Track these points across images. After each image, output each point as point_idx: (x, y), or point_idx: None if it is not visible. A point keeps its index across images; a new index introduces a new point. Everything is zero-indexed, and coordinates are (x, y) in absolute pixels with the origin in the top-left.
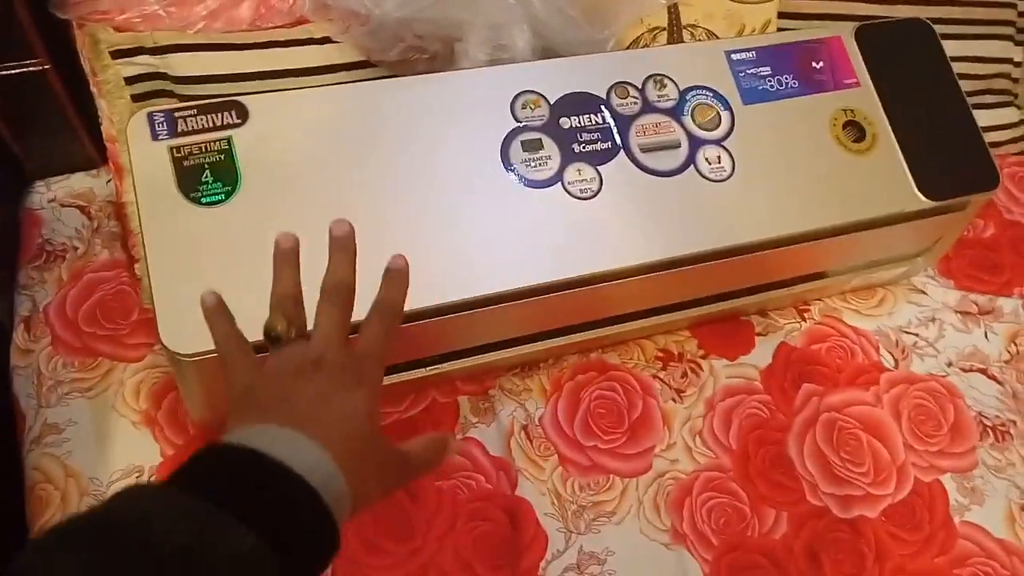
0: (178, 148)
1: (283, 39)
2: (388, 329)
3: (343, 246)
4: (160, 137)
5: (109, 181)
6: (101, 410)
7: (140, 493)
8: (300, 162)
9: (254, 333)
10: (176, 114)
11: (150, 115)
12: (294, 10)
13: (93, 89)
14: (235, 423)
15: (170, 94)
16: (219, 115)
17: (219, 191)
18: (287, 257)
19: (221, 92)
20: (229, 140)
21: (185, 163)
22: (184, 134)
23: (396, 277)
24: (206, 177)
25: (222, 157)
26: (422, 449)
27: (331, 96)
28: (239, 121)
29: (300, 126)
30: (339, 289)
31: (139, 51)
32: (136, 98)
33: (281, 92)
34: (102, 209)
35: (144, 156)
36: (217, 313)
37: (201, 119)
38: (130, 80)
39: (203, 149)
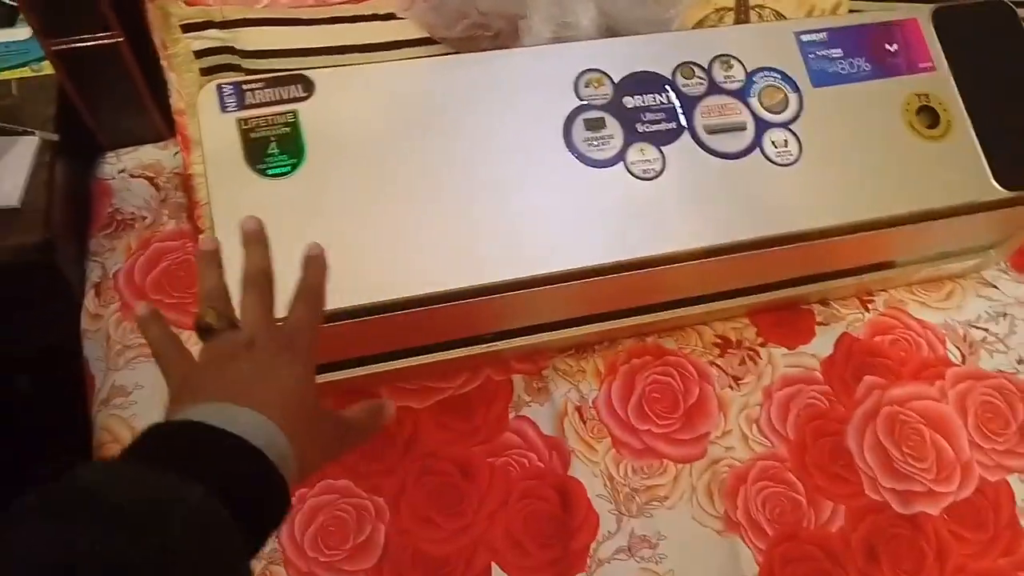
0: (246, 120)
1: (348, 15)
2: (312, 308)
3: (256, 239)
4: (229, 109)
5: (177, 153)
6: None
7: (89, 467)
8: (364, 137)
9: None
10: (244, 87)
11: (219, 87)
12: None
13: (163, 63)
14: (177, 409)
15: (237, 68)
16: (286, 88)
17: (285, 163)
18: (210, 257)
19: (287, 67)
20: (295, 113)
21: (252, 135)
22: (252, 106)
23: (313, 262)
24: (272, 149)
25: (288, 130)
26: (362, 415)
27: (395, 72)
28: (305, 95)
29: (364, 101)
30: (259, 277)
31: (208, 25)
32: (204, 72)
33: (346, 67)
34: (169, 180)
35: (213, 128)
36: (148, 319)
37: (269, 92)
38: (199, 54)
39: (270, 122)
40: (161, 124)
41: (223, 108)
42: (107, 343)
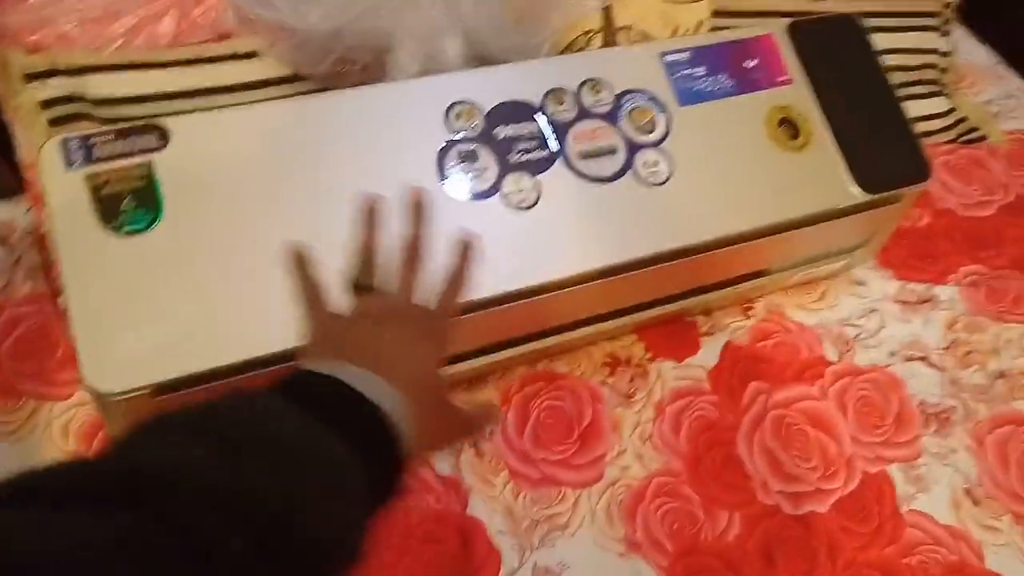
0: (95, 176)
1: (207, 55)
2: (458, 294)
3: (419, 209)
4: (76, 165)
5: (29, 210)
6: (26, 453)
7: (251, 393)
8: (226, 185)
9: (179, 366)
10: (92, 140)
11: (64, 141)
12: (217, 25)
13: (7, 115)
14: (315, 358)
15: (89, 117)
16: (139, 139)
17: (141, 219)
18: (373, 215)
19: (144, 113)
20: (150, 165)
21: (103, 191)
22: (101, 160)
23: (467, 249)
24: (127, 205)
25: (143, 183)
26: (474, 412)
27: (257, 114)
28: (160, 144)
29: (225, 147)
30: (417, 250)
31: (54, 73)
32: (54, 122)
33: (204, 112)
34: (22, 239)
35: (59, 185)
36: (299, 260)
37: (119, 144)
38: (46, 104)
39: (122, 176)
40: (11, 179)
41: (69, 164)
42: None
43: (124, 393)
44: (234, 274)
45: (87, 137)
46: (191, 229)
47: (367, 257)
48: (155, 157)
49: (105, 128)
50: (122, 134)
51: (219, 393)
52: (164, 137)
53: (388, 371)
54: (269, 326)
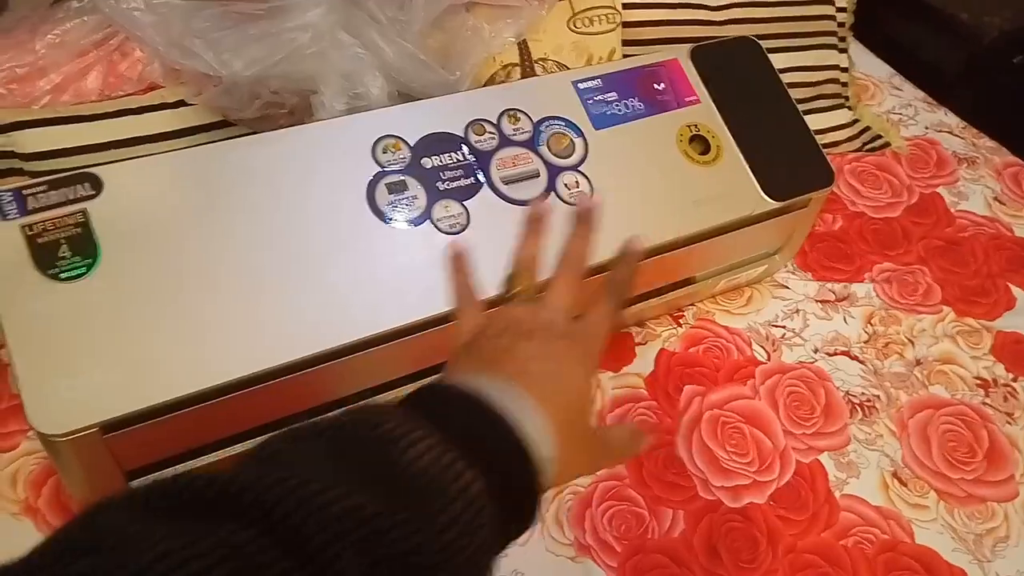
0: (31, 226)
1: (135, 106)
2: (616, 307)
3: (586, 219)
4: (10, 216)
5: None
6: None
7: (382, 410)
8: (161, 227)
9: (124, 404)
10: (25, 191)
11: None
12: (144, 77)
13: None
14: (461, 369)
15: (20, 172)
16: (72, 188)
17: (79, 265)
18: (537, 223)
19: (75, 165)
20: (84, 212)
21: (40, 240)
22: (36, 211)
23: (630, 259)
24: (64, 252)
25: (79, 230)
26: (622, 437)
27: (187, 158)
28: (93, 192)
29: (158, 191)
30: (577, 261)
31: None
32: None
33: (135, 159)
34: None
35: None
36: (458, 262)
37: (53, 194)
38: None
39: (58, 224)
40: None
41: (3, 216)
42: None
43: (71, 433)
44: (172, 313)
45: (20, 188)
46: (128, 272)
47: (528, 265)
48: (89, 205)
49: (38, 180)
50: (55, 184)
51: (350, 410)
52: (97, 185)
53: (535, 387)
54: (208, 360)
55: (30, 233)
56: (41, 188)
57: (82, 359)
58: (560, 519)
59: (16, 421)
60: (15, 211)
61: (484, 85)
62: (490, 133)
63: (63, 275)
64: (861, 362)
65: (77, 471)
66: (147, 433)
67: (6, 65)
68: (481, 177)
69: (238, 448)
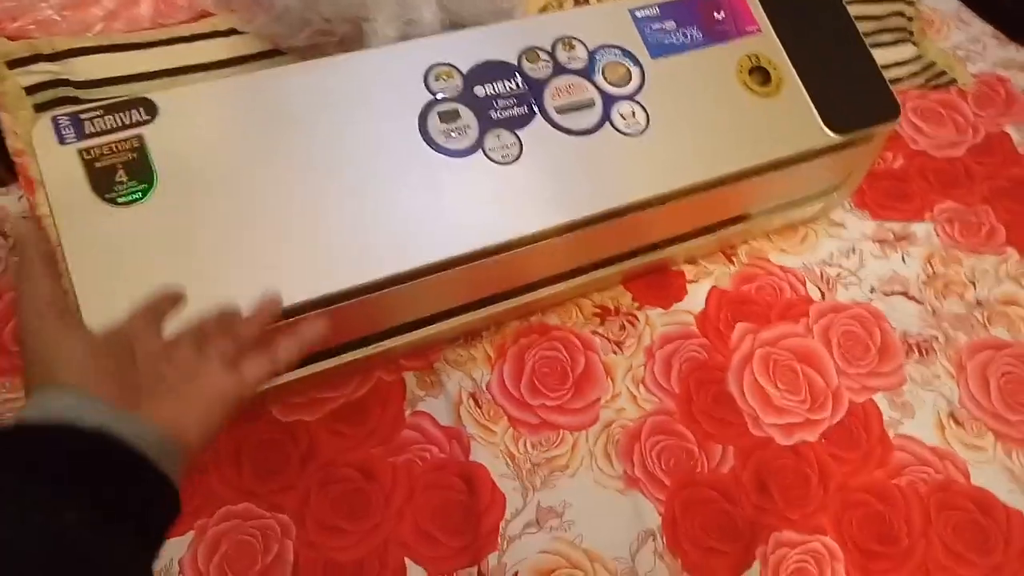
0: (88, 150)
1: (187, 34)
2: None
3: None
4: (68, 141)
5: (22, 197)
6: None
7: None
8: (216, 154)
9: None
10: (82, 116)
11: (55, 119)
12: (195, 4)
13: None
14: (47, 382)
15: (75, 100)
16: (127, 113)
17: (135, 189)
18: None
19: (128, 93)
20: (141, 137)
21: (97, 164)
22: (93, 135)
23: (263, 316)
24: (120, 177)
25: (135, 155)
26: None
27: (241, 85)
28: (148, 118)
29: (212, 118)
30: (230, 322)
31: (37, 59)
32: (40, 108)
33: (189, 86)
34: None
35: (53, 162)
36: (26, 241)
37: (109, 119)
38: (31, 89)
39: (114, 149)
40: (2, 170)
41: (61, 141)
42: None
43: None
44: (232, 237)
45: (77, 114)
46: (184, 197)
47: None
48: (145, 130)
49: (94, 104)
50: (111, 109)
51: None
52: (152, 111)
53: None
54: (262, 285)
55: (87, 158)
56: (98, 113)
57: (139, 282)
58: (608, 452)
59: None
60: (73, 135)
61: (536, 14)
62: (544, 61)
63: (120, 199)
64: (919, 302)
65: None
66: None
67: None
68: (534, 106)
69: (294, 375)
